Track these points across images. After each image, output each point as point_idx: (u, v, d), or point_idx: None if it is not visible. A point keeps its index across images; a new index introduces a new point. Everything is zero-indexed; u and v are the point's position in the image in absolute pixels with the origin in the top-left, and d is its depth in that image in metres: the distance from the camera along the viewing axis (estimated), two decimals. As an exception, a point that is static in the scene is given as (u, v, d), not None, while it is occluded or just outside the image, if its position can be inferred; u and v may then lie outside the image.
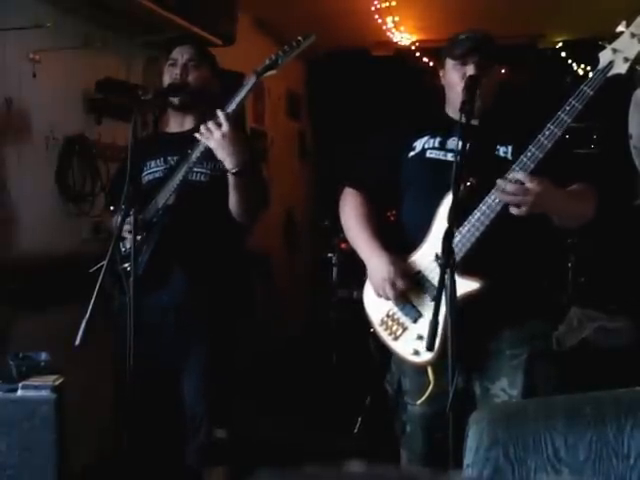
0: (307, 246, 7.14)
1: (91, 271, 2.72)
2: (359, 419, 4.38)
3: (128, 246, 2.59)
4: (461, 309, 2.08)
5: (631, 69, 2.19)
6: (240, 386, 3.04)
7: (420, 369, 2.44)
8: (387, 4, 5.72)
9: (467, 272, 2.26)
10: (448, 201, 2.26)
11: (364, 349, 4.22)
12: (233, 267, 2.92)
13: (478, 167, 2.26)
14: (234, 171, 2.61)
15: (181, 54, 2.89)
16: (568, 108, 2.23)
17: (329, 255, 5.49)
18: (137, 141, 2.44)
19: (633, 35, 2.11)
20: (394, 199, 2.60)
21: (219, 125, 2.57)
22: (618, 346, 4.44)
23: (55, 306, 3.51)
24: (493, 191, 2.25)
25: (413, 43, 6.69)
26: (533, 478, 1.69)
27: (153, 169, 2.87)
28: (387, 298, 2.44)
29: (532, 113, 2.45)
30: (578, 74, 6.55)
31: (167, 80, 2.89)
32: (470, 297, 2.26)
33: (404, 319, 2.45)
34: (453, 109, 2.47)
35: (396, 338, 2.46)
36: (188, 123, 2.92)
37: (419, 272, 2.43)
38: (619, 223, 4.79)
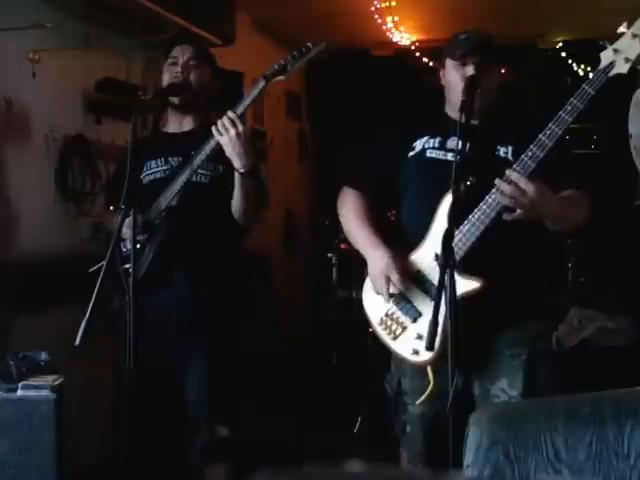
0: (307, 246, 7.14)
1: (91, 271, 2.72)
2: (359, 419, 4.38)
3: (129, 247, 2.59)
4: (461, 308, 2.08)
5: (633, 69, 2.20)
6: (242, 385, 3.04)
7: (420, 369, 2.44)
8: (387, 4, 5.72)
9: (467, 271, 2.26)
10: (448, 200, 2.28)
11: (364, 349, 4.23)
12: (233, 267, 2.94)
13: (478, 167, 2.27)
14: (242, 171, 2.63)
15: (182, 53, 2.89)
16: (569, 108, 2.23)
17: (329, 255, 5.49)
18: (137, 143, 2.45)
19: (634, 36, 2.12)
20: (394, 199, 2.60)
21: (234, 124, 2.58)
22: (618, 346, 4.44)
23: (55, 306, 3.51)
24: (493, 191, 2.25)
25: (413, 43, 6.69)
26: (533, 478, 1.69)
27: (154, 169, 2.87)
28: (382, 293, 2.43)
29: (532, 113, 2.46)
30: (578, 74, 6.55)
31: (167, 79, 2.88)
32: (470, 296, 2.26)
33: (403, 318, 2.44)
34: (453, 109, 2.47)
35: (395, 338, 2.46)
36: (187, 123, 2.93)
37: (419, 271, 2.43)
38: (619, 223, 4.79)
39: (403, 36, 6.50)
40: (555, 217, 2.34)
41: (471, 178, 2.27)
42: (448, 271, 2.06)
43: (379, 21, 6.07)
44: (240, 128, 2.59)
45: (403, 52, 6.83)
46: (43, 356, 2.63)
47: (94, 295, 2.26)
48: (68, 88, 3.88)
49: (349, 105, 7.02)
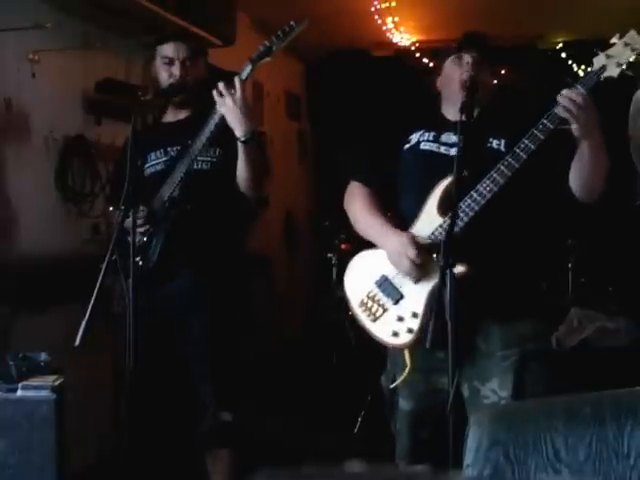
0: (307, 247, 7.14)
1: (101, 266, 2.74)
2: (359, 419, 4.38)
3: (137, 239, 2.60)
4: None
5: (632, 70, 2.25)
6: (245, 374, 3.06)
7: (397, 352, 2.46)
8: (387, 5, 5.72)
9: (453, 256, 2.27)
10: (440, 187, 2.37)
11: (363, 349, 4.22)
12: (236, 255, 2.98)
13: (471, 158, 2.29)
14: (243, 138, 2.65)
15: (177, 52, 2.89)
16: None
17: (329, 255, 5.49)
18: (137, 137, 2.46)
19: (626, 44, 2.24)
20: (395, 194, 2.61)
21: (232, 92, 2.61)
22: (618, 346, 4.44)
23: (55, 306, 3.51)
24: (484, 179, 2.30)
25: (413, 43, 6.69)
26: (533, 478, 1.69)
27: (154, 161, 2.90)
28: (404, 271, 2.41)
29: (528, 110, 2.47)
30: (578, 74, 6.55)
31: (165, 78, 2.89)
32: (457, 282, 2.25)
33: (385, 300, 2.45)
34: (449, 109, 2.53)
35: (375, 319, 2.47)
36: (183, 112, 2.96)
37: None
38: (619, 224, 4.79)
39: (403, 37, 6.50)
40: (599, 144, 2.31)
41: (465, 172, 2.29)
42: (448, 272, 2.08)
43: (379, 21, 6.07)
44: (238, 94, 2.61)
45: (403, 53, 6.83)
46: (43, 356, 2.63)
47: (94, 295, 2.26)
48: (68, 88, 3.88)
49: (349, 105, 7.02)
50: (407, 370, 2.44)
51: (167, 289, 2.82)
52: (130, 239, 2.59)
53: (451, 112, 2.50)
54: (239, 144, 2.67)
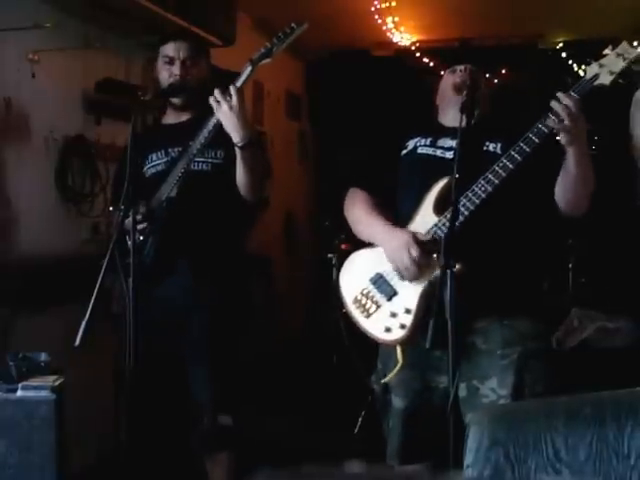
0: (307, 247, 7.14)
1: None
2: (359, 419, 4.38)
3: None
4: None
5: (631, 71, 2.32)
6: (245, 376, 3.06)
7: (389, 349, 2.48)
8: (387, 4, 5.72)
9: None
10: (435, 190, 2.41)
11: (360, 348, 4.22)
12: (236, 256, 2.98)
13: (468, 161, 2.30)
14: (240, 144, 2.65)
15: (177, 51, 2.89)
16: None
17: (329, 256, 5.48)
18: (137, 138, 2.46)
19: (618, 54, 2.33)
20: (394, 198, 2.62)
21: (228, 99, 2.62)
22: (618, 346, 4.44)
23: (55, 306, 3.51)
24: (480, 179, 2.33)
25: (413, 43, 6.69)
26: (533, 478, 1.69)
27: (155, 162, 2.90)
28: (405, 268, 2.42)
29: (525, 115, 2.50)
30: (578, 75, 6.54)
31: (165, 78, 2.89)
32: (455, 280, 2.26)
33: (378, 297, 2.48)
34: (446, 116, 2.58)
35: (368, 315, 2.49)
36: (185, 114, 2.96)
37: None
38: (619, 224, 4.79)
39: (403, 36, 6.50)
40: (585, 156, 2.34)
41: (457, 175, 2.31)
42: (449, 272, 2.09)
43: (379, 21, 6.07)
44: (234, 102, 2.61)
45: (403, 52, 6.83)
46: (43, 357, 2.63)
47: (94, 295, 2.26)
48: (68, 88, 3.88)
49: (349, 105, 7.02)
50: (399, 366, 2.46)
51: (166, 289, 2.82)
52: (129, 239, 2.60)
53: (448, 119, 2.55)
54: (236, 149, 2.68)
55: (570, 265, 5.53)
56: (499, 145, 2.46)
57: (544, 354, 2.48)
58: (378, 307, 2.48)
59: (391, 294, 2.46)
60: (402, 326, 2.41)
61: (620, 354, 4.31)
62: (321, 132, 7.53)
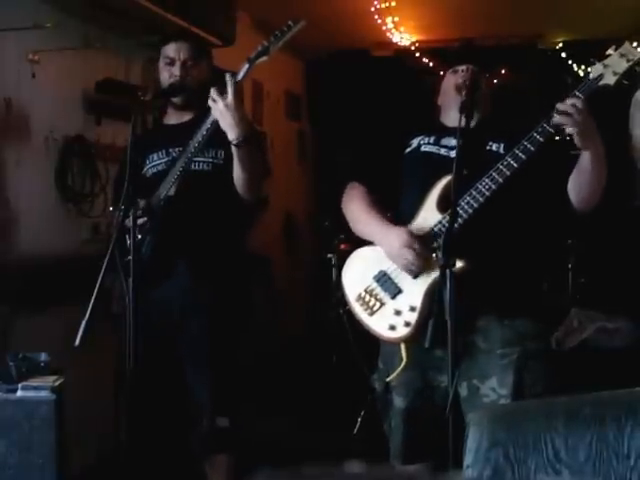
0: (307, 247, 7.14)
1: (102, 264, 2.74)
2: (359, 419, 4.38)
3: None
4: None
5: (631, 71, 2.34)
6: (244, 378, 3.05)
7: (394, 346, 2.48)
8: (387, 5, 5.72)
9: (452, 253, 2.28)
10: (439, 187, 2.42)
11: (363, 348, 4.22)
12: (235, 255, 2.97)
13: (471, 160, 2.32)
14: (235, 142, 2.65)
15: (178, 52, 2.89)
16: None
17: (329, 256, 5.48)
18: (137, 139, 2.46)
19: (622, 55, 2.34)
20: (395, 196, 2.62)
21: (223, 96, 2.61)
22: (618, 347, 4.44)
23: (55, 306, 3.51)
24: (484, 178, 2.34)
25: (413, 43, 6.69)
26: (533, 479, 1.69)
27: (155, 162, 2.91)
28: (405, 267, 2.43)
29: (528, 115, 2.51)
30: (578, 75, 6.55)
31: (166, 78, 2.89)
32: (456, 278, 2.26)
33: (382, 295, 2.48)
34: (448, 116, 2.58)
35: (372, 313, 2.50)
36: (187, 115, 2.96)
37: None
38: (619, 224, 4.79)
39: (403, 37, 6.50)
40: (598, 150, 2.34)
41: (465, 171, 2.31)
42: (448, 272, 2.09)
43: (379, 21, 6.07)
44: (229, 99, 2.60)
45: (403, 52, 6.83)
46: (43, 357, 2.62)
47: (94, 295, 2.26)
48: (68, 89, 3.88)
49: (349, 105, 7.02)
50: (403, 364, 2.46)
51: (165, 290, 2.82)
52: (129, 238, 2.60)
53: (450, 119, 2.55)
54: (232, 147, 2.68)
55: (570, 265, 5.53)
56: (502, 145, 2.47)
57: (544, 354, 2.48)
58: (382, 305, 2.48)
59: (395, 292, 2.46)
60: (407, 324, 2.42)
61: (620, 354, 4.31)
62: (321, 132, 7.53)
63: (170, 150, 2.88)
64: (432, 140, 2.58)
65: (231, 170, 2.75)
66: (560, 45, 6.77)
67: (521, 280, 2.47)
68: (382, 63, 7.01)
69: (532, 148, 2.32)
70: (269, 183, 3.03)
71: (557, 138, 2.37)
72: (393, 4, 5.71)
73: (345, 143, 6.48)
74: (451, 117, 2.52)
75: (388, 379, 2.54)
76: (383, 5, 5.74)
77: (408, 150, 2.61)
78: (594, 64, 2.36)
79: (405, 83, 6.85)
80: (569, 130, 2.26)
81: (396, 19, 6.06)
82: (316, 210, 7.14)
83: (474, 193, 2.34)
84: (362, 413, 4.38)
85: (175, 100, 2.92)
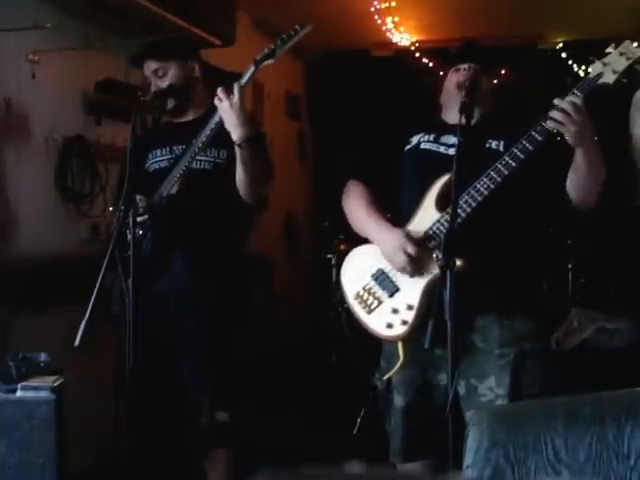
0: (307, 247, 7.14)
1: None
2: (359, 419, 4.38)
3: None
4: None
5: (631, 70, 2.33)
6: (244, 373, 3.05)
7: (393, 345, 2.49)
8: (387, 5, 5.72)
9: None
10: (437, 186, 2.42)
11: (362, 348, 4.22)
12: (235, 254, 2.98)
13: (470, 158, 2.31)
14: (238, 142, 2.67)
15: (148, 70, 2.98)
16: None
17: (329, 256, 5.49)
18: (139, 137, 2.48)
19: (621, 54, 2.33)
20: (394, 194, 2.63)
21: (230, 96, 2.64)
22: (618, 347, 4.44)
23: (55, 306, 3.51)
24: (482, 177, 2.34)
25: (413, 44, 6.69)
26: (533, 479, 1.69)
27: (158, 158, 2.94)
28: (401, 267, 2.43)
29: (527, 113, 2.50)
30: (578, 75, 6.55)
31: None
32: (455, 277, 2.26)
33: (380, 293, 2.49)
34: (449, 113, 2.58)
35: (370, 311, 2.51)
36: (191, 114, 3.00)
37: None
38: (619, 224, 4.79)
39: (403, 37, 6.50)
40: (594, 152, 2.34)
41: (464, 169, 2.31)
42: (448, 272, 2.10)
43: (379, 22, 6.07)
44: (235, 99, 2.63)
45: (403, 52, 6.83)
46: (43, 357, 2.62)
47: (94, 295, 2.27)
48: (68, 89, 3.88)
49: (349, 106, 7.02)
50: (400, 362, 2.46)
51: (163, 286, 2.83)
52: (129, 232, 2.61)
53: (451, 116, 2.54)
54: (235, 147, 2.70)
55: (570, 265, 5.53)
56: (502, 143, 2.46)
57: (542, 354, 2.48)
58: (380, 303, 2.49)
59: (393, 290, 2.47)
60: (404, 322, 2.42)
61: (619, 354, 4.31)
62: (321, 132, 7.53)
63: (174, 148, 2.92)
64: (432, 138, 2.58)
65: (232, 170, 2.77)
66: (560, 45, 6.77)
67: (520, 280, 2.47)
68: (382, 63, 7.01)
69: (531, 147, 2.32)
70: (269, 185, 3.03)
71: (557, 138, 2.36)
72: (393, 4, 5.71)
73: (345, 143, 6.48)
74: (452, 115, 2.52)
75: (385, 377, 2.55)
76: (383, 5, 5.74)
77: (407, 147, 2.61)
78: (594, 63, 2.35)
79: (405, 83, 6.85)
80: (564, 129, 2.26)
81: (396, 19, 6.06)
82: (316, 210, 7.14)
83: (472, 192, 2.34)
84: (362, 413, 4.38)
85: (169, 107, 2.97)
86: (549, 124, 2.28)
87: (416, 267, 2.40)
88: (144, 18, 4.03)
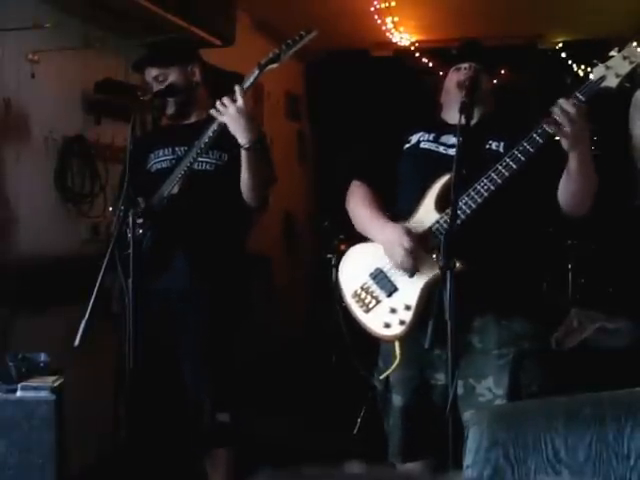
0: (307, 247, 7.14)
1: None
2: (359, 419, 4.38)
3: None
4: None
5: (636, 73, 2.34)
6: (244, 373, 3.06)
7: (388, 343, 2.49)
8: (386, 5, 5.72)
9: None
10: (437, 186, 2.41)
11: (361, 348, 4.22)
12: (235, 254, 2.99)
13: (470, 158, 2.31)
14: (247, 146, 2.68)
15: (149, 76, 3.00)
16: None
17: (329, 256, 5.48)
18: (141, 138, 2.48)
19: (625, 57, 2.31)
20: (394, 193, 2.63)
21: (234, 101, 2.65)
22: (618, 347, 4.44)
23: (55, 306, 3.51)
24: (482, 178, 2.33)
25: (412, 44, 6.69)
26: (533, 479, 1.69)
27: (161, 158, 2.95)
28: (400, 263, 2.43)
29: (528, 114, 2.50)
30: (578, 75, 6.55)
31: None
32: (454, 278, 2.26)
33: (378, 292, 2.49)
34: (449, 113, 2.57)
35: (368, 310, 2.50)
36: (194, 117, 3.02)
37: None
38: (619, 224, 4.79)
39: (402, 37, 6.50)
40: (587, 159, 2.34)
41: (463, 171, 2.31)
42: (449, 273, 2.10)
43: (379, 22, 6.07)
44: (240, 104, 2.64)
45: (403, 52, 6.83)
46: (42, 357, 2.62)
47: (94, 295, 2.27)
48: (67, 89, 3.88)
49: (349, 106, 7.02)
50: (397, 362, 2.46)
51: (163, 286, 2.83)
52: (129, 232, 2.61)
53: (451, 116, 2.53)
54: (242, 150, 2.71)
55: (569, 265, 5.53)
56: (502, 144, 2.46)
57: (541, 354, 2.48)
58: (378, 302, 2.49)
59: (391, 290, 2.46)
60: (401, 322, 2.42)
61: (619, 354, 4.31)
62: (320, 133, 7.53)
63: (176, 149, 2.93)
64: (432, 137, 2.58)
65: (233, 173, 2.77)
66: (560, 45, 6.77)
67: (518, 280, 2.47)
68: (382, 63, 7.01)
69: (531, 149, 2.31)
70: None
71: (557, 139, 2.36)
72: (393, 4, 5.71)
73: (345, 143, 6.48)
74: (452, 114, 2.51)
75: (382, 377, 2.55)
76: (383, 5, 5.74)
77: (407, 146, 2.61)
78: (596, 65, 2.33)
79: (405, 83, 6.85)
80: (561, 131, 2.25)
81: (396, 19, 6.06)
82: (316, 210, 7.14)
83: (472, 194, 2.33)
84: (362, 413, 4.38)
85: (171, 113, 2.98)
86: (547, 124, 2.28)
87: (413, 263, 2.39)
88: (144, 18, 4.03)
